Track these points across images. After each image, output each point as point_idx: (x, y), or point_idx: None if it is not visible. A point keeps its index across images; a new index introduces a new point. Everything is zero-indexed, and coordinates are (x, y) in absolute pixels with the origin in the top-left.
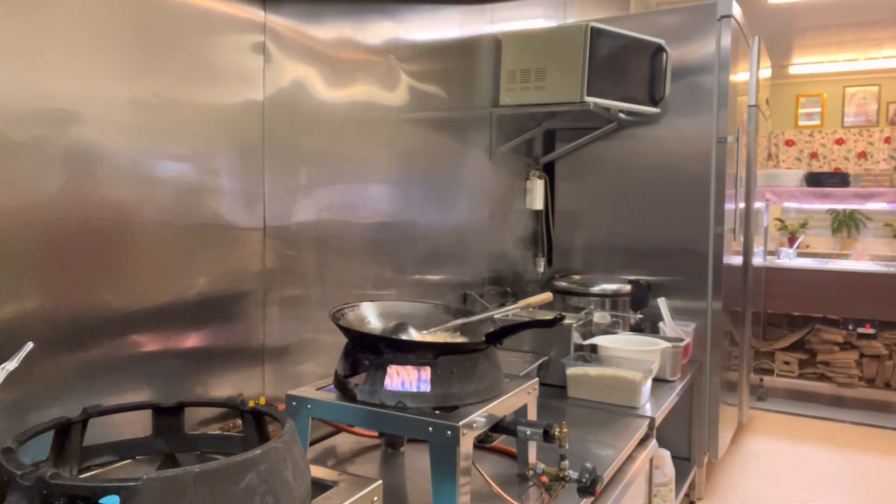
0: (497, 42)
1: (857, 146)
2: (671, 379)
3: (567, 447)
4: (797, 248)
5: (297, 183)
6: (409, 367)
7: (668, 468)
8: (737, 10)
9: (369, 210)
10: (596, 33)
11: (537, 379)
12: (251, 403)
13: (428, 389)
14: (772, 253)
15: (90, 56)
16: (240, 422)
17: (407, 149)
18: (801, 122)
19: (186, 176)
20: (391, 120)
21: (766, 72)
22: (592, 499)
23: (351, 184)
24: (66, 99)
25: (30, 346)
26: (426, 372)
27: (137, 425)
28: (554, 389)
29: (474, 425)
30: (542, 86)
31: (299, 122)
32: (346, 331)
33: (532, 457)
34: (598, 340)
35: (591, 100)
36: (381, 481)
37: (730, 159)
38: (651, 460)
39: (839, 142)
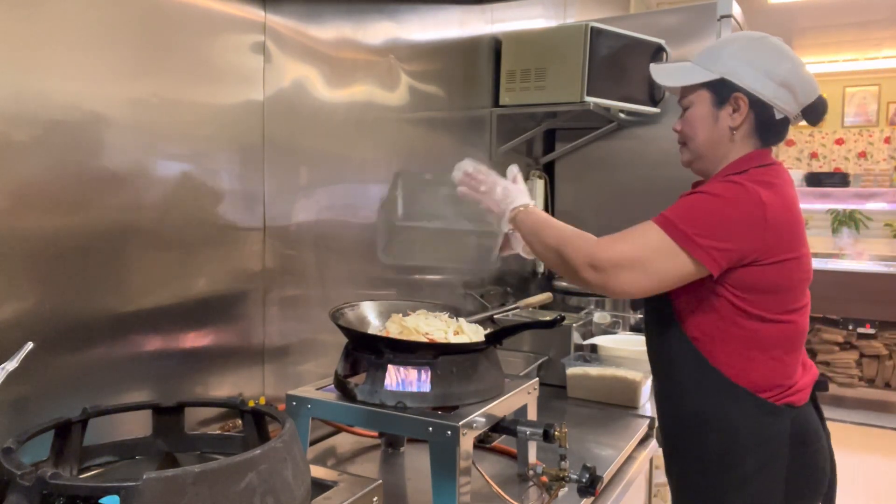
0: (497, 42)
1: (857, 146)
2: None
3: (567, 447)
4: None
5: (297, 183)
6: (409, 367)
7: None
8: (737, 10)
9: (369, 210)
10: (596, 33)
11: (537, 379)
12: (251, 403)
13: (428, 389)
14: None
15: (90, 56)
16: (240, 422)
17: (407, 149)
18: (801, 122)
19: (186, 176)
20: (391, 120)
21: None
22: (592, 499)
23: (351, 184)
24: (67, 99)
25: (30, 346)
26: (426, 372)
27: (137, 425)
28: (554, 389)
29: (474, 425)
30: (542, 86)
31: (299, 122)
32: (346, 331)
33: (532, 457)
34: (598, 340)
35: (591, 100)
36: (381, 481)
37: None
38: (651, 460)
39: (839, 142)
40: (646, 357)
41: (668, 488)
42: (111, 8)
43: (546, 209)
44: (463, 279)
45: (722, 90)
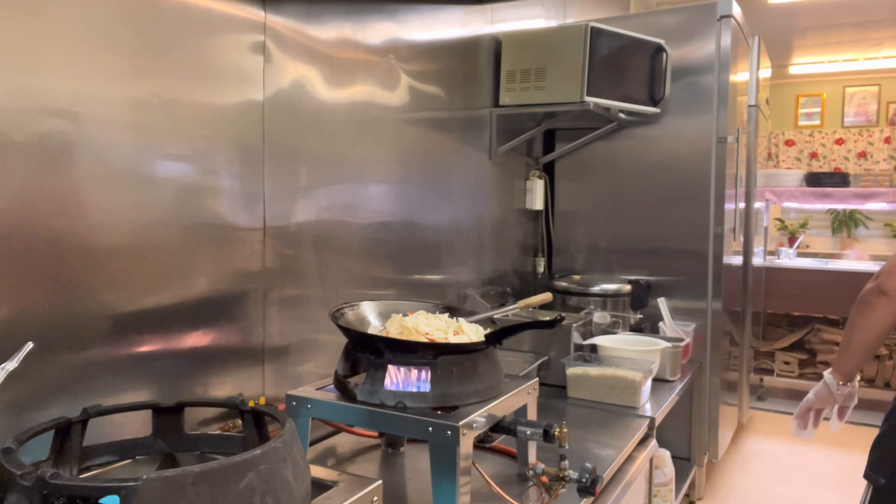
0: (497, 42)
1: (857, 146)
2: (671, 379)
3: (567, 447)
4: (797, 248)
5: (296, 183)
6: (409, 367)
7: (668, 468)
8: (737, 10)
9: (369, 210)
10: (596, 33)
11: (537, 379)
12: (251, 403)
13: (428, 389)
14: (772, 253)
15: (90, 56)
16: (240, 422)
17: (407, 149)
18: (801, 122)
19: (186, 176)
20: (391, 120)
21: (766, 72)
22: (592, 499)
23: (351, 184)
24: (66, 99)
25: (30, 346)
26: (426, 372)
27: (137, 425)
28: (554, 389)
29: (474, 425)
30: (542, 86)
31: (299, 122)
32: (346, 331)
33: (532, 457)
34: (598, 340)
35: (591, 100)
36: (381, 481)
37: (730, 159)
38: (651, 460)
39: (839, 142)
40: (645, 357)
41: (668, 488)
42: (111, 8)
43: (546, 209)
44: (463, 279)
45: None
